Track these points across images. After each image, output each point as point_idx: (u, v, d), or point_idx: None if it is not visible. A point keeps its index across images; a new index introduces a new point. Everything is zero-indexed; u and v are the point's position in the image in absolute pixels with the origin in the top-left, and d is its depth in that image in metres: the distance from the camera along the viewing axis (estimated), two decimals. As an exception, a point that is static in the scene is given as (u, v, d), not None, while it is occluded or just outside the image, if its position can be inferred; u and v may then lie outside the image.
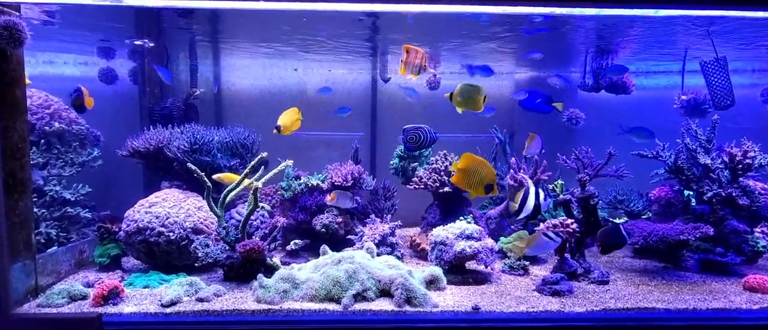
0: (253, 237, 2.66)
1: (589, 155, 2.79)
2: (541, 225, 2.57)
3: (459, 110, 2.39)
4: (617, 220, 3.30)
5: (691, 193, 3.05)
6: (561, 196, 2.80)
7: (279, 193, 3.19)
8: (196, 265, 2.48)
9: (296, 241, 2.91)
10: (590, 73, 3.69)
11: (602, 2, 2.10)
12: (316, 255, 2.60)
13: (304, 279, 2.22)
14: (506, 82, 4.33)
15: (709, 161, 2.85)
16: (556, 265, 2.57)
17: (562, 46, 3.44)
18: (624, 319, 2.06)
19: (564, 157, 2.85)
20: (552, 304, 2.14)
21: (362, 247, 2.69)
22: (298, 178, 3.19)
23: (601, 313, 2.07)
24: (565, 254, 2.55)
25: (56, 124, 2.92)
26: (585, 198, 2.63)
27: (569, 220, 2.52)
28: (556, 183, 3.07)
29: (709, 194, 2.78)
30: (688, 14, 2.44)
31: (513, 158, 3.07)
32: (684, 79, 4.02)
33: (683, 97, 3.70)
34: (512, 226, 3.23)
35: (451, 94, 2.36)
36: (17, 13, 2.04)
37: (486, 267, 2.51)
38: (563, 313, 2.07)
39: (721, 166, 2.83)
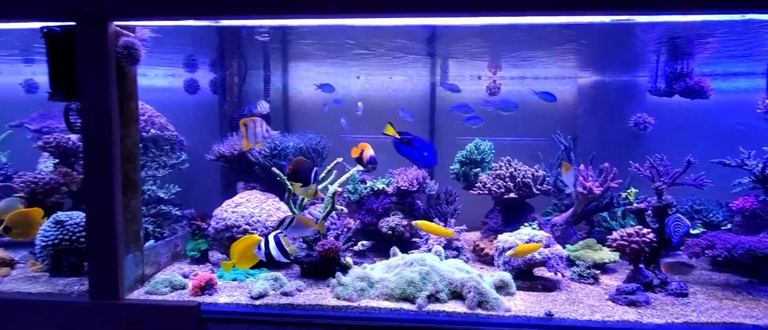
0: (327, 237, 2.82)
1: (665, 163, 2.71)
2: (614, 234, 2.53)
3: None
4: (694, 231, 3.16)
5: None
6: (634, 204, 2.73)
7: (345, 195, 3.35)
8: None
9: (363, 242, 3.03)
10: (662, 77, 3.55)
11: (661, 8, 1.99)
12: (381, 256, 2.71)
13: (377, 278, 2.34)
14: (569, 86, 4.25)
15: (801, 170, 2.66)
16: (629, 274, 2.51)
17: (629, 50, 3.34)
18: (708, 334, 2.00)
19: (637, 164, 2.78)
20: (628, 314, 2.11)
21: (429, 249, 2.77)
22: (363, 181, 3.33)
23: (684, 326, 2.02)
24: (640, 265, 2.49)
25: (152, 130, 3.25)
26: (662, 207, 2.56)
27: (645, 230, 2.46)
28: (629, 191, 2.99)
29: (802, 206, 2.60)
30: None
31: (581, 165, 3.03)
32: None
33: (768, 102, 3.46)
34: (579, 234, 3.18)
35: None
36: (133, 34, 2.32)
37: (556, 274, 2.51)
38: (642, 323, 2.03)
39: (815, 176, 2.64)
